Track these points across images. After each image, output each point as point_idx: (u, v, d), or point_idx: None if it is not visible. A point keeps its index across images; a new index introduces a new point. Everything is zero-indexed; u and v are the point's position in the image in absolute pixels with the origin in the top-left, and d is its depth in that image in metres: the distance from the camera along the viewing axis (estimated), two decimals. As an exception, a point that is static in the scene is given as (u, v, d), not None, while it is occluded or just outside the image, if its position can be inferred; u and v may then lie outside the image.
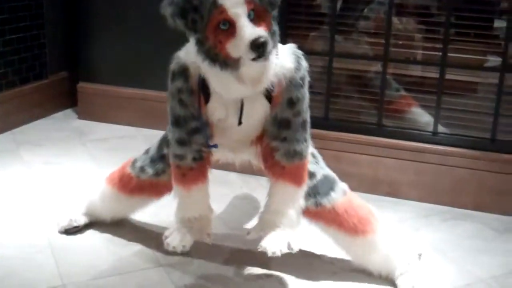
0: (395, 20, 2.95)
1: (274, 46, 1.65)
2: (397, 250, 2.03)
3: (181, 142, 1.87)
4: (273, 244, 1.83)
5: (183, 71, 1.77)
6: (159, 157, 2.10)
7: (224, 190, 2.72)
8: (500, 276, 2.15)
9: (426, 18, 3.10)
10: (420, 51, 3.10)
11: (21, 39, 3.55)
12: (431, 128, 2.79)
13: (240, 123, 1.80)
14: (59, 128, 3.61)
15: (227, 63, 1.63)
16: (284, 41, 2.96)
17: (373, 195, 2.74)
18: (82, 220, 2.33)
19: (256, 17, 1.59)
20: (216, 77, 1.69)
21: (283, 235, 1.85)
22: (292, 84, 1.75)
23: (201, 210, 1.98)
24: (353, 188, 2.61)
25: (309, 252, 2.22)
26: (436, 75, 2.78)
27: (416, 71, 3.14)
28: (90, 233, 2.33)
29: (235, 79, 1.65)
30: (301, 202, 1.91)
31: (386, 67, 2.82)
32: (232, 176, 2.86)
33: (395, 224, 2.45)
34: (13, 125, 3.51)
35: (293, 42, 3.10)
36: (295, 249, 1.85)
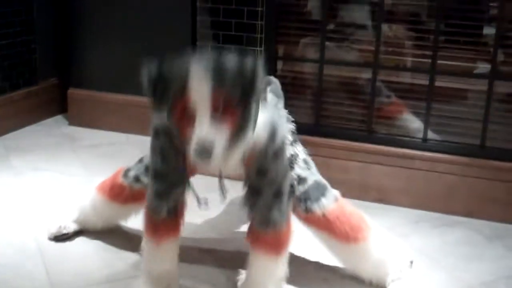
0: (385, 27, 2.96)
1: (241, 137, 1.55)
2: (388, 257, 2.04)
3: (159, 195, 1.82)
4: None
5: (167, 130, 1.70)
6: None
7: (214, 196, 2.71)
8: (490, 282, 2.16)
9: (415, 25, 3.12)
10: (410, 58, 3.12)
11: (11, 45, 3.54)
12: (421, 134, 2.80)
13: (224, 197, 1.84)
14: (49, 134, 3.59)
15: (188, 144, 1.56)
16: (274, 48, 2.99)
17: (363, 202, 2.75)
18: (72, 227, 2.32)
19: (225, 109, 1.50)
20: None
21: None
22: (262, 155, 1.70)
23: (170, 265, 1.94)
24: (342, 195, 2.61)
25: (301, 258, 2.22)
26: (426, 82, 2.80)
27: (405, 77, 3.15)
28: (80, 240, 2.32)
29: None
30: (280, 272, 1.87)
31: (376, 74, 2.84)
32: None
33: (385, 230, 2.45)
34: (2, 131, 3.50)
35: (284, 49, 3.15)
36: None
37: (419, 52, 3.03)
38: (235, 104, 1.51)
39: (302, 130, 2.83)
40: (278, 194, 1.79)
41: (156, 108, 1.61)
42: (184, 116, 1.53)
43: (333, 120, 3.00)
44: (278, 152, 1.74)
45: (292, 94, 3.04)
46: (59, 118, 3.88)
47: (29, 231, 2.38)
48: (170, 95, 1.54)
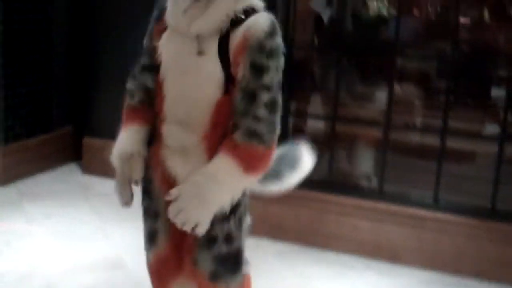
0: (397, 87, 3.03)
1: None
2: None
3: (132, 77, 1.84)
4: (178, 215, 1.60)
5: (160, 3, 1.72)
6: None
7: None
8: None
9: (426, 86, 3.19)
10: (420, 118, 3.18)
11: (29, 92, 3.62)
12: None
13: (199, 52, 1.62)
14: (63, 181, 3.64)
15: None
16: (287, 104, 3.05)
17: (374, 261, 2.76)
18: None
19: None
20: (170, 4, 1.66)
21: (195, 211, 1.60)
22: (258, 48, 1.56)
23: (134, 145, 1.77)
24: (353, 253, 2.62)
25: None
26: (437, 143, 2.84)
27: (416, 137, 3.21)
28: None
29: (177, 8, 1.62)
30: (239, 194, 1.64)
31: (388, 133, 2.88)
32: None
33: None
34: (17, 177, 3.54)
35: (296, 105, 3.22)
36: (201, 233, 1.61)
37: (429, 112, 3.09)
38: None
39: (312, 186, 2.89)
40: (273, 107, 1.59)
41: None
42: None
43: (344, 177, 3.03)
44: (275, 52, 1.58)
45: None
46: (72, 165, 3.92)
47: (42, 276, 2.40)
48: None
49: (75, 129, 3.98)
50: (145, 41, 1.78)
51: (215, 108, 1.63)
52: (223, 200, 1.62)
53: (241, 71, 1.59)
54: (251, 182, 1.65)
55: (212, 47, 1.61)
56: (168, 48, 1.69)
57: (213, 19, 1.59)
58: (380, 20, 4.38)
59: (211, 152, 1.64)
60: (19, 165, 3.56)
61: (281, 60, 1.61)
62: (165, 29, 1.69)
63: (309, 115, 3.23)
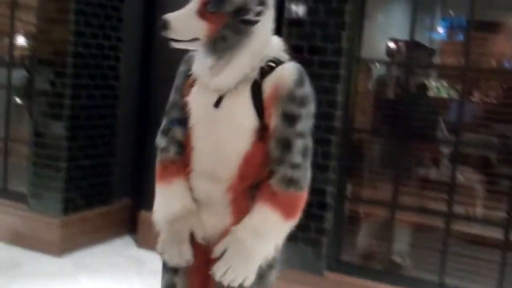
0: (459, 175, 2.96)
1: (228, 45, 1.63)
2: None
3: (163, 132, 1.81)
4: (226, 273, 1.62)
5: (188, 58, 1.77)
6: None
7: None
8: None
9: (488, 172, 3.11)
10: (482, 208, 3.09)
11: (92, 165, 3.72)
12: None
13: (217, 105, 1.67)
14: (117, 254, 3.66)
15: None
16: (344, 188, 3.00)
17: None
18: None
19: (210, 12, 1.62)
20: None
21: (242, 268, 1.63)
22: (289, 97, 1.62)
23: (184, 202, 1.74)
24: None
25: None
26: (500, 234, 2.73)
27: (477, 227, 3.10)
28: None
29: (203, 65, 1.67)
30: (282, 240, 1.67)
31: (450, 223, 2.80)
32: None
33: None
34: (74, 248, 3.59)
35: (353, 189, 3.17)
36: (249, 285, 1.63)
37: (492, 201, 3.00)
38: (216, 11, 1.60)
39: (368, 275, 2.81)
40: (306, 153, 1.65)
41: None
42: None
43: (401, 267, 2.94)
44: (305, 100, 1.63)
45: (356, 235, 3.03)
46: (127, 238, 3.96)
47: None
48: None
49: (132, 202, 4.04)
50: (173, 96, 1.80)
51: (243, 160, 1.67)
52: (267, 251, 1.65)
53: (274, 121, 1.64)
54: (290, 227, 1.66)
55: (243, 98, 1.65)
56: (197, 102, 1.72)
57: (231, 76, 1.65)
58: (440, 102, 4.35)
59: (236, 204, 1.69)
60: (77, 237, 3.62)
61: (312, 107, 1.67)
62: (193, 83, 1.73)
63: (366, 201, 3.18)
